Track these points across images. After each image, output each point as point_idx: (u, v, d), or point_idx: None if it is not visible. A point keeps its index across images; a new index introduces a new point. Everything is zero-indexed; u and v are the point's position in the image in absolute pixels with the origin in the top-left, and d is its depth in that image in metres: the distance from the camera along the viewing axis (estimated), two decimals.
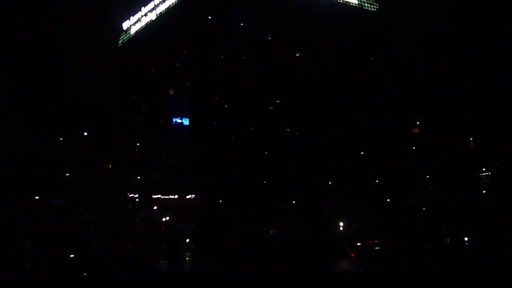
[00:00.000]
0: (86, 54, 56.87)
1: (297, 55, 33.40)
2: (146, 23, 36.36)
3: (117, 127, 56.96)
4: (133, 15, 37.90)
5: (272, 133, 38.92)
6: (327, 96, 35.77)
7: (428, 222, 45.86)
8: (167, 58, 34.74)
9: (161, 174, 57.82)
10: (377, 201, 55.37)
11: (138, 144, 60.00)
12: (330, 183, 54.73)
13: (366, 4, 34.35)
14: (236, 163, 39.37)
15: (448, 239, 29.11)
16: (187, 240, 47.94)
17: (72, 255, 24.66)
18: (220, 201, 41.88)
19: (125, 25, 38.83)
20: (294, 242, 39.51)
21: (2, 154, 48.59)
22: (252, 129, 38.94)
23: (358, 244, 35.11)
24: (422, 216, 48.88)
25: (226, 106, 36.70)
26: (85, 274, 20.62)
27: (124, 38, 39.10)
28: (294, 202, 42.86)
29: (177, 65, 35.43)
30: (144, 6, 36.56)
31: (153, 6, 35.57)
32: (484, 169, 50.99)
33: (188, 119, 38.17)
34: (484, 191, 49.44)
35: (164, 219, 56.86)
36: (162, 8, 34.64)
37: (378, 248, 33.05)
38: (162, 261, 28.64)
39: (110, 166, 58.27)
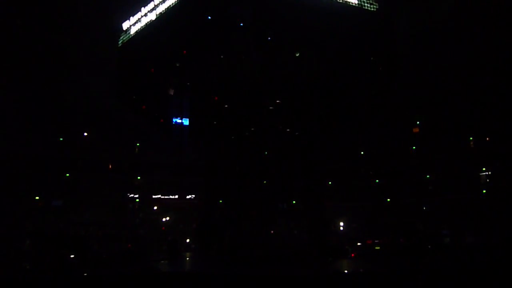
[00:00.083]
0: (86, 54, 56.91)
1: (297, 55, 33.42)
2: (146, 23, 36.41)
3: (117, 127, 56.92)
4: (133, 16, 37.96)
5: (272, 133, 38.91)
6: (327, 96, 35.81)
7: (428, 222, 45.96)
8: (167, 58, 34.77)
9: (161, 174, 57.80)
10: (377, 201, 55.31)
11: (138, 144, 59.92)
12: (330, 183, 54.74)
13: (366, 4, 34.43)
14: (236, 163, 39.36)
15: (448, 239, 29.15)
16: (187, 240, 47.94)
17: (72, 255, 24.66)
18: (220, 201, 41.86)
19: (125, 25, 38.89)
20: (294, 242, 39.45)
21: (2, 154, 48.54)
22: (252, 129, 38.93)
23: (358, 244, 35.07)
24: (422, 216, 48.85)
25: (226, 106, 36.71)
26: (85, 274, 20.61)
27: (124, 38, 39.16)
28: (294, 202, 42.84)
29: (177, 65, 35.45)
30: (144, 7, 36.62)
31: (153, 6, 35.62)
32: (484, 169, 50.93)
33: (188, 119, 38.20)
34: (484, 191, 49.38)
35: (164, 219, 56.81)
36: (162, 8, 34.69)
37: (378, 248, 33.03)
38: (162, 261, 28.60)
39: (110, 166, 58.20)
